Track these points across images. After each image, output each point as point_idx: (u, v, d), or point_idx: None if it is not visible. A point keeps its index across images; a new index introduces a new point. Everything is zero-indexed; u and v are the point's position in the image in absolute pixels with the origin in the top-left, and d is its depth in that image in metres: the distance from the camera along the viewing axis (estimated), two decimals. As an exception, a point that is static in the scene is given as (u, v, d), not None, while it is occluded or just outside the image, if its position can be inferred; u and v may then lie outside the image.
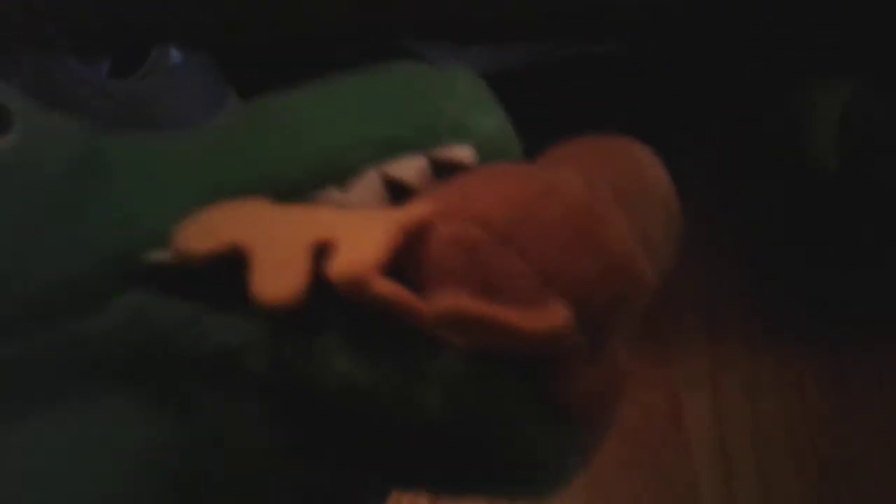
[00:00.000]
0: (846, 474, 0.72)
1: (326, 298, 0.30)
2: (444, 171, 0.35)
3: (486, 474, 0.33)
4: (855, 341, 0.77)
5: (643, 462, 0.73)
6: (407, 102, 0.35)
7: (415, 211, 0.32)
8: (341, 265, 0.30)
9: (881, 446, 0.73)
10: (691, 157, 0.86)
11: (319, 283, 0.30)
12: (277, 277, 0.30)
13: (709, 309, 0.79)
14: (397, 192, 0.34)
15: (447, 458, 0.32)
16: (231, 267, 0.31)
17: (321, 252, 0.30)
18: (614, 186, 0.34)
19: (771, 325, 0.78)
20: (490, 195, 0.32)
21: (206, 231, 0.31)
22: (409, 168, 0.34)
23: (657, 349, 0.77)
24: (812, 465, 0.73)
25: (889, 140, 0.76)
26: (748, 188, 0.84)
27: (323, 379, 0.31)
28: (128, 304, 0.32)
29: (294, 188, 0.33)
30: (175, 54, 0.75)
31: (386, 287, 0.30)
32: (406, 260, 0.31)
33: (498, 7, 0.71)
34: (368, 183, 0.34)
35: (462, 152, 0.35)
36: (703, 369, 0.77)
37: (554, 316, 0.30)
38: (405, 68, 0.37)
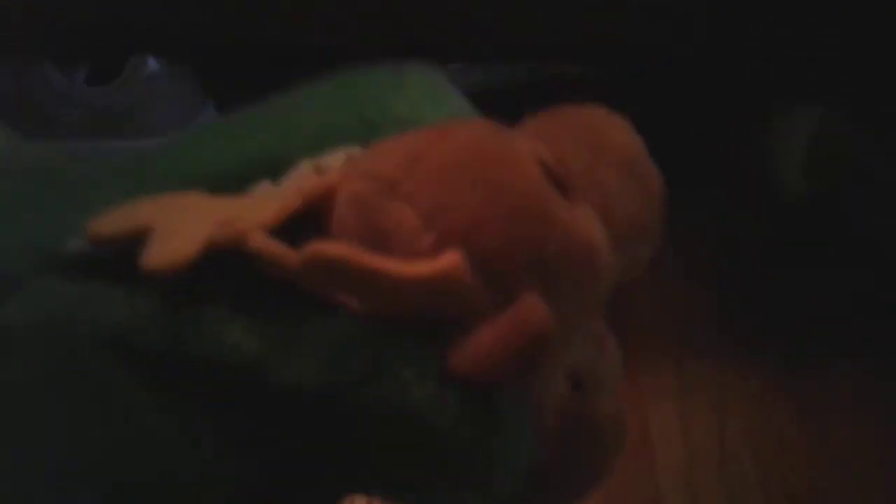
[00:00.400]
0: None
1: (221, 276, 0.31)
2: None
3: (383, 442, 0.31)
4: (826, 369, 0.77)
5: (608, 484, 0.72)
6: (348, 97, 0.37)
7: (322, 179, 0.33)
8: (226, 229, 0.31)
9: (850, 473, 0.72)
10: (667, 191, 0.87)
11: (216, 262, 0.31)
12: (167, 248, 0.30)
13: (678, 333, 0.79)
14: None
15: (343, 429, 0.31)
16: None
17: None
18: (560, 145, 0.34)
19: (741, 351, 0.78)
20: (388, 151, 0.33)
21: (121, 218, 0.32)
22: (341, 157, 0.34)
23: (626, 371, 0.77)
24: (779, 496, 0.72)
25: (854, 167, 0.77)
26: (722, 216, 0.85)
27: (215, 350, 0.30)
28: (34, 289, 0.32)
29: (234, 181, 0.34)
30: (152, 63, 0.76)
31: (260, 241, 0.30)
32: (322, 227, 0.32)
33: (477, 27, 0.72)
34: (299, 172, 0.34)
35: None
36: (671, 392, 0.76)
37: (443, 260, 0.29)
38: (356, 70, 0.38)
